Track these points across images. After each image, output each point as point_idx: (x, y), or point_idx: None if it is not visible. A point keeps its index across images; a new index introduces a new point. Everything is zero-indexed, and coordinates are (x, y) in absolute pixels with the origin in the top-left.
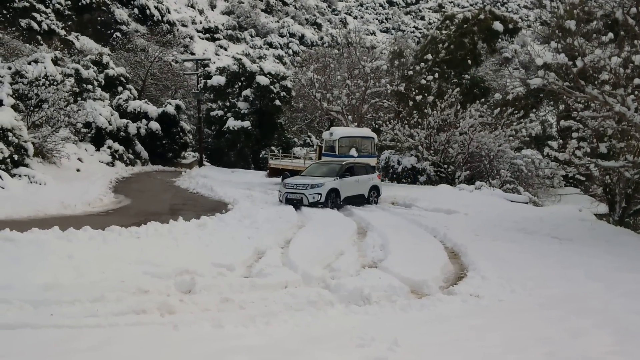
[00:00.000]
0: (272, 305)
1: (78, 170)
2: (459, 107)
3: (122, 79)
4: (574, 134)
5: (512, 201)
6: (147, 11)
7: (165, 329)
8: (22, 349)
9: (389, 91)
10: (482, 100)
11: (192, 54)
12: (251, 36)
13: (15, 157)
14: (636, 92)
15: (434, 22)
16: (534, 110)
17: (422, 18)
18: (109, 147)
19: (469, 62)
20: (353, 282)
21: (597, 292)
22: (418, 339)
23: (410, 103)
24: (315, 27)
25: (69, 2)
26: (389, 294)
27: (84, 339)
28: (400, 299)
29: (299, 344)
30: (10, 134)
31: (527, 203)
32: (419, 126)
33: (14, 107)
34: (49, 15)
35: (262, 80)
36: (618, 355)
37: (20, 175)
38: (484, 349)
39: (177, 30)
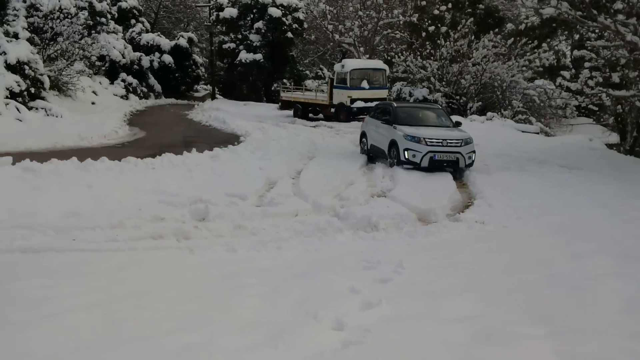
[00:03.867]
0: (283, 232)
1: (93, 103)
2: (472, 37)
3: (134, 11)
4: (587, 64)
5: (523, 131)
6: None
7: (182, 252)
8: (49, 270)
9: (401, 22)
10: (496, 30)
11: None
12: None
13: (32, 90)
14: None
15: None
16: (548, 40)
17: None
18: (123, 81)
19: None
20: (362, 210)
21: (602, 218)
22: (423, 262)
23: (423, 34)
24: None
25: None
26: (396, 222)
27: (106, 261)
28: (407, 226)
29: (309, 266)
30: (26, 67)
31: (538, 133)
32: (432, 57)
33: (30, 41)
34: None
35: (274, 12)
36: (615, 276)
37: (37, 108)
38: (486, 271)
39: None
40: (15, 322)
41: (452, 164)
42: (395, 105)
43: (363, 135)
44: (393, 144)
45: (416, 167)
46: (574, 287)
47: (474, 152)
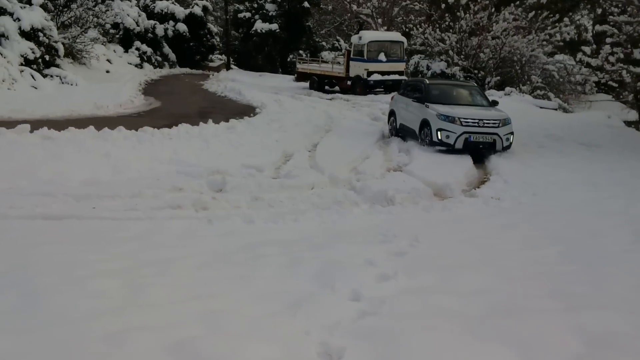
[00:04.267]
0: (300, 204)
1: (108, 71)
2: (492, 10)
3: None
4: (608, 39)
5: (541, 107)
6: None
7: (201, 223)
8: (70, 237)
9: None
10: (517, 3)
11: None
12: None
13: (47, 57)
14: None
15: None
16: (570, 14)
17: None
18: (137, 49)
19: None
20: (378, 184)
21: (619, 196)
22: (438, 237)
23: (442, 6)
24: None
25: None
26: (412, 196)
27: (127, 229)
28: (423, 200)
29: (326, 238)
30: (40, 34)
31: (556, 109)
32: (450, 30)
33: (43, 7)
34: None
35: None
36: (630, 253)
37: (52, 76)
38: (501, 246)
39: None
40: (44, 286)
41: (488, 146)
42: (427, 82)
43: (392, 114)
44: (425, 123)
45: (450, 148)
46: (588, 263)
47: (512, 133)
